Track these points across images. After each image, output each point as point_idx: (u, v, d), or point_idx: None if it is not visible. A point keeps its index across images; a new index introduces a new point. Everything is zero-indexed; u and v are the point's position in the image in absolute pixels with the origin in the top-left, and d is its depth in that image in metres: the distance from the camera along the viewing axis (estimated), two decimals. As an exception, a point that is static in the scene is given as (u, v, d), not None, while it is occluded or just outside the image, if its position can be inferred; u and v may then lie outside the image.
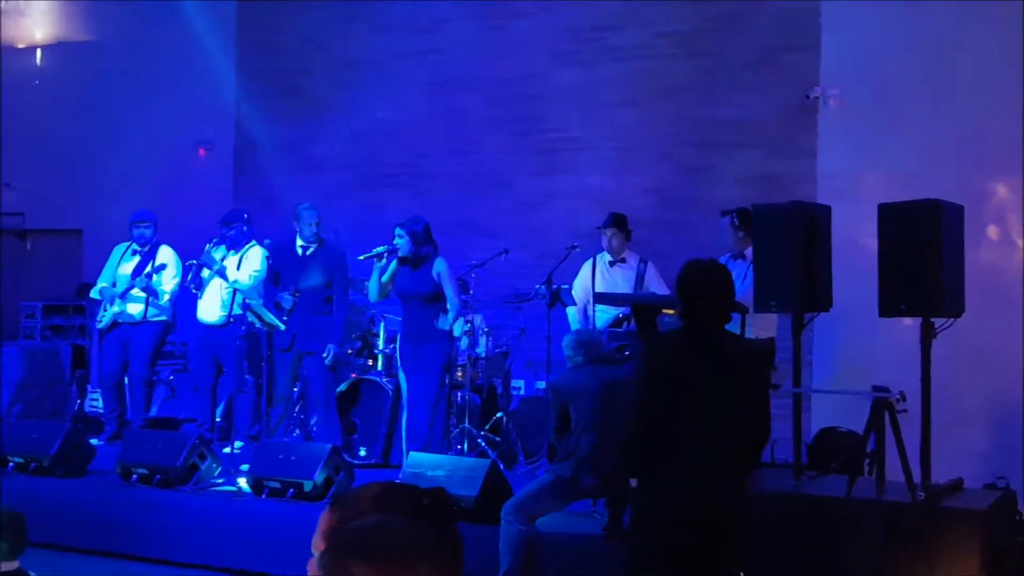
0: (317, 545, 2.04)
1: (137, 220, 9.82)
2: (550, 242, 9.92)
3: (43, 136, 12.95)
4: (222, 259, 9.30)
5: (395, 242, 8.20)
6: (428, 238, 8.23)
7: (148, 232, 9.80)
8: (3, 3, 13.27)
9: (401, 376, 8.33)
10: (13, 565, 4.84)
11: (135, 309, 9.67)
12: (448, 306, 8.23)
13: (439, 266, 8.17)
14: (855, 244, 8.00)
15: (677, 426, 4.74)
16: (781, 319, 7.64)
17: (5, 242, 13.31)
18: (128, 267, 9.77)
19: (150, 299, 9.62)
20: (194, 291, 9.41)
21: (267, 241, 9.27)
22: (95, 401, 10.47)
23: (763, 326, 7.74)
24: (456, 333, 8.38)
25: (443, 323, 8.18)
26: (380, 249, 8.19)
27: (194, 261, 9.28)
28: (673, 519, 4.73)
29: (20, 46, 13.42)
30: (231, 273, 9.21)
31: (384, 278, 8.24)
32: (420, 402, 8.11)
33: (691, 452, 4.72)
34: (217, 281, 9.32)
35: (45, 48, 13.38)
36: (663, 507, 4.76)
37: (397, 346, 8.44)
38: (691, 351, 4.83)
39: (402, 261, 8.21)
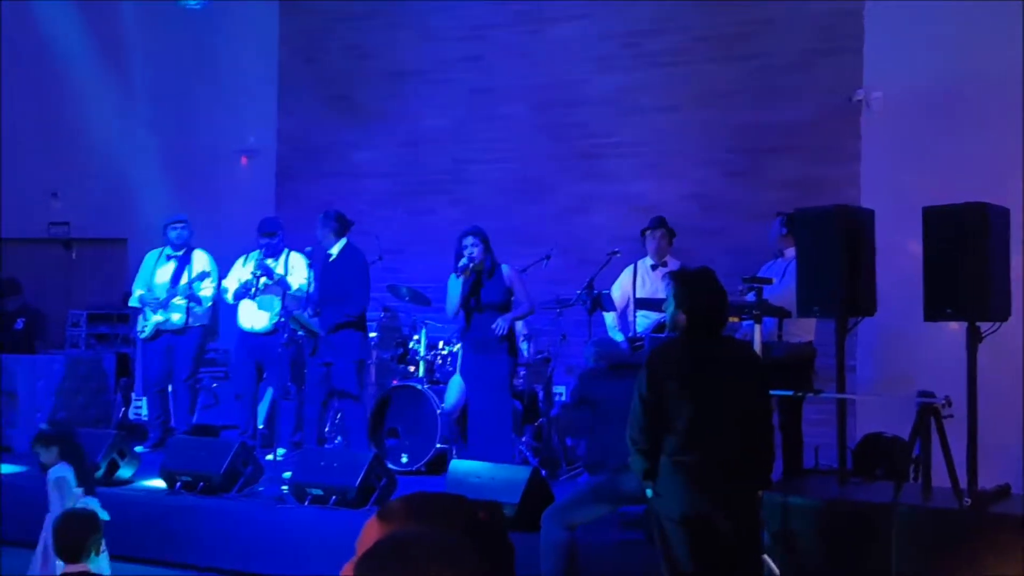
0: (360, 553, 2.03)
1: (173, 222, 9.91)
2: (591, 248, 9.91)
3: (88, 146, 13.07)
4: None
5: (471, 252, 8.10)
6: (490, 245, 8.21)
7: (185, 233, 9.88)
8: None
9: (457, 383, 8.27)
10: (82, 567, 4.87)
11: (178, 317, 9.76)
12: (519, 307, 8.20)
13: (507, 271, 8.17)
14: (899, 248, 7.93)
15: (681, 433, 4.87)
16: (823, 323, 7.57)
17: (51, 251, 13.46)
18: (165, 272, 9.85)
19: (191, 306, 9.70)
20: (252, 298, 9.44)
21: (308, 248, 9.30)
22: (139, 409, 10.55)
23: (800, 330, 7.69)
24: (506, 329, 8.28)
25: (500, 328, 8.11)
26: (465, 261, 8.07)
27: (258, 271, 9.29)
28: (683, 523, 4.84)
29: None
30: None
31: (467, 291, 8.16)
32: (488, 413, 8.05)
33: (695, 457, 4.86)
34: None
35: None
36: (673, 512, 4.88)
37: (459, 356, 8.37)
38: (695, 357, 4.93)
39: (478, 271, 8.14)
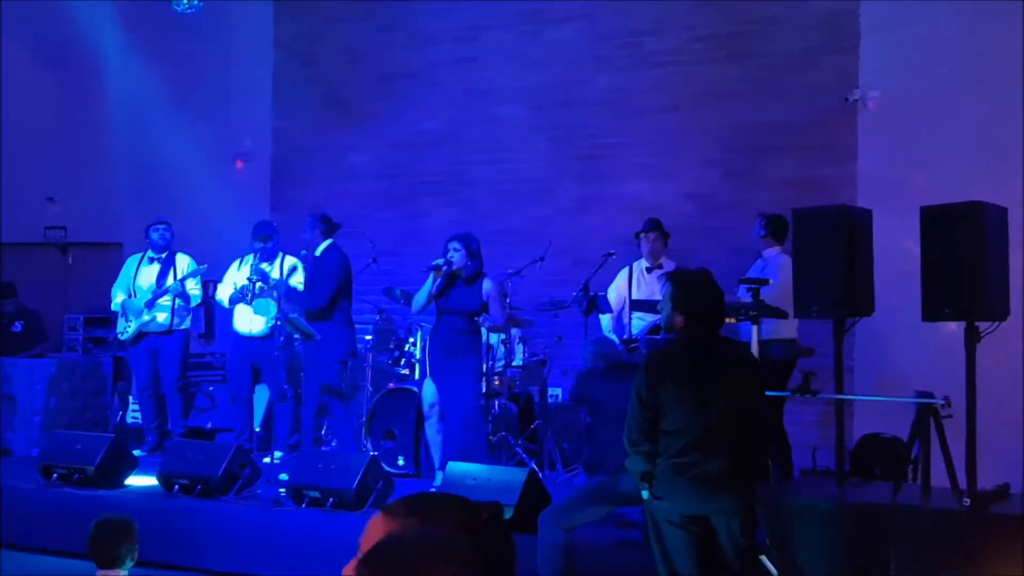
0: (364, 551, 2.01)
1: (155, 223, 9.93)
2: (588, 249, 9.90)
3: (84, 151, 13.05)
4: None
5: (450, 256, 8.12)
6: (479, 254, 8.19)
7: (168, 235, 9.92)
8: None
9: (429, 387, 8.27)
10: (114, 573, 4.89)
11: (163, 317, 9.78)
12: (489, 321, 8.20)
13: (488, 286, 8.14)
14: (897, 248, 7.92)
15: (679, 432, 4.89)
16: (820, 323, 7.56)
17: (48, 255, 13.45)
18: (149, 275, 9.86)
19: (177, 307, 9.71)
20: (249, 302, 9.44)
21: (303, 252, 9.31)
22: (136, 412, 10.54)
23: (782, 329, 7.68)
24: (493, 343, 8.34)
25: (483, 334, 8.12)
26: (439, 262, 8.11)
27: (254, 276, 9.30)
28: (680, 525, 4.88)
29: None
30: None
31: (435, 292, 8.16)
32: (458, 414, 8.05)
33: (693, 459, 4.87)
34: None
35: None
36: (670, 513, 4.89)
37: (427, 356, 8.38)
38: (693, 358, 4.94)
39: (453, 275, 8.14)
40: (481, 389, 8.24)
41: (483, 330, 8.43)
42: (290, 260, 9.50)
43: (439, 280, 8.11)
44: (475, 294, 8.12)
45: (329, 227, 8.96)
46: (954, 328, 6.70)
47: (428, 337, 8.46)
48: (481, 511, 2.08)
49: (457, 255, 8.11)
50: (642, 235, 8.86)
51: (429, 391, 8.27)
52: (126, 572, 4.90)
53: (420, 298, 8.21)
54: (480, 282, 8.15)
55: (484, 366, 8.39)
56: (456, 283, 8.15)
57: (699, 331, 5.02)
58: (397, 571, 1.81)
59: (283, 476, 8.10)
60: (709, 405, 4.90)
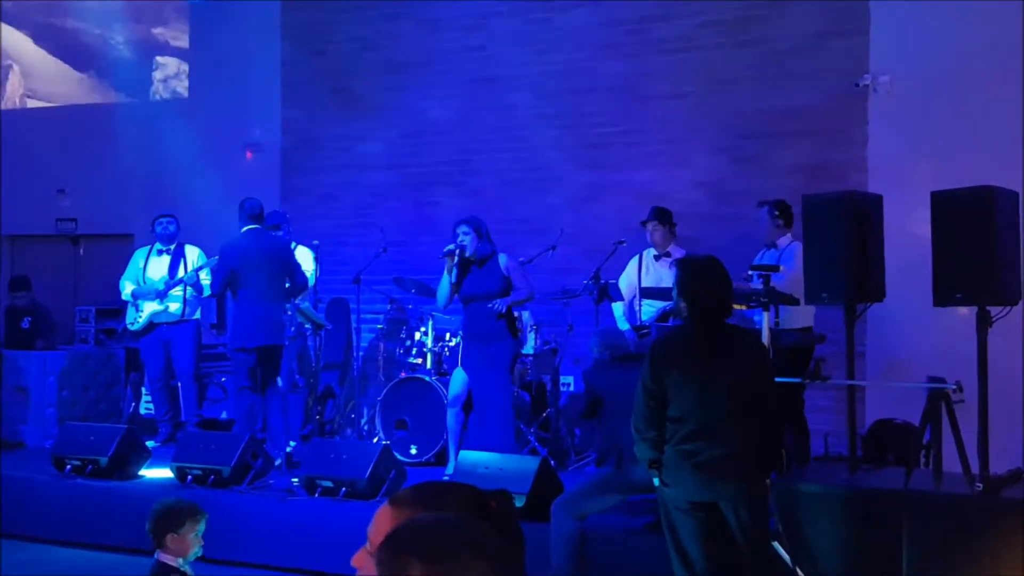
0: (373, 541, 2.02)
1: (161, 216, 9.98)
2: (598, 238, 9.89)
3: (95, 143, 13.07)
4: None
5: (460, 240, 8.04)
6: (489, 235, 8.14)
7: (172, 227, 9.95)
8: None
9: (460, 376, 8.24)
10: (170, 559, 4.97)
11: (176, 307, 9.81)
12: (518, 293, 8.08)
13: (504, 260, 8.07)
14: (908, 233, 7.89)
15: (684, 419, 4.90)
16: (830, 310, 7.55)
17: (60, 247, 13.48)
18: (160, 267, 9.88)
19: (189, 298, 9.74)
20: None
21: (315, 242, 9.31)
22: (149, 403, 10.56)
23: (799, 316, 7.66)
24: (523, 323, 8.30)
25: (498, 306, 7.99)
26: (451, 248, 8.02)
27: None
28: (690, 512, 4.87)
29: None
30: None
31: (455, 280, 8.10)
32: (492, 403, 8.01)
33: (699, 446, 4.90)
34: None
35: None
36: (679, 500, 4.90)
37: (460, 347, 8.36)
38: (698, 345, 4.94)
39: (467, 262, 8.10)
40: (510, 374, 8.14)
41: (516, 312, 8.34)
42: (301, 250, 9.50)
43: (455, 267, 8.06)
44: (492, 274, 8.05)
45: (242, 214, 9.04)
46: (965, 313, 6.67)
47: (460, 329, 8.45)
48: (489, 499, 2.08)
49: (467, 238, 8.04)
50: (644, 225, 8.85)
51: (456, 380, 8.25)
52: (181, 562, 4.97)
53: (443, 291, 8.13)
54: (494, 260, 8.08)
55: (516, 350, 8.28)
56: (471, 268, 8.10)
57: (705, 318, 5.02)
58: (417, 554, 1.81)
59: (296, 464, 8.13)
60: (714, 392, 4.90)
